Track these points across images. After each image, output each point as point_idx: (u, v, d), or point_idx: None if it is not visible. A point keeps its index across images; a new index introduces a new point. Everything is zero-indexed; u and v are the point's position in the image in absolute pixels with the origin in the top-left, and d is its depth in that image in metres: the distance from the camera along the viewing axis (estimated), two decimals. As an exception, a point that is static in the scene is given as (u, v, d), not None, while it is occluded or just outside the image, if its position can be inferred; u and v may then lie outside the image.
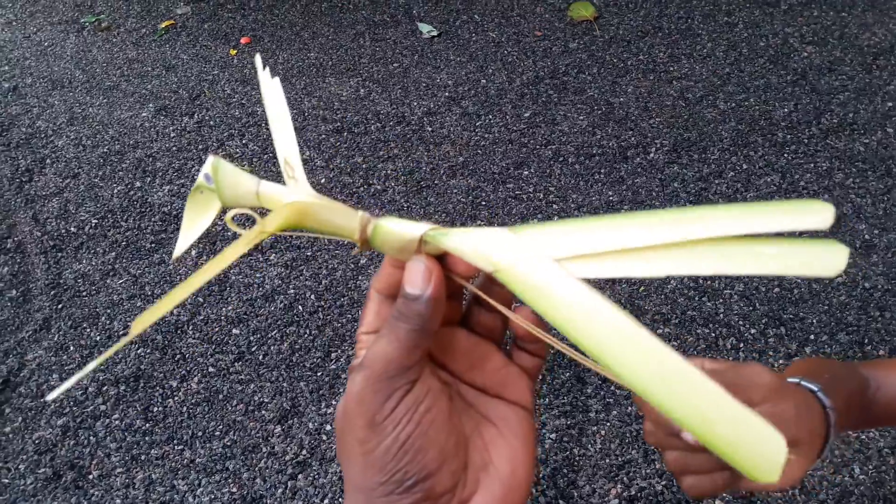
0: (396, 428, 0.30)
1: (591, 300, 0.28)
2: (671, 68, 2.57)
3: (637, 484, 1.44)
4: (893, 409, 0.57)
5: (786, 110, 2.30)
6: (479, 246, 0.30)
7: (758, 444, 0.25)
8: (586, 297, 0.28)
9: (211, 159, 0.32)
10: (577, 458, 1.50)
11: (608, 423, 1.55)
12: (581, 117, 2.39)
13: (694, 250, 0.28)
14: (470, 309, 0.36)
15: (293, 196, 0.33)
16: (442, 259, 0.32)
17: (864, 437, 1.46)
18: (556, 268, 0.29)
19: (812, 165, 2.09)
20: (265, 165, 2.36)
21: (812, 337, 1.65)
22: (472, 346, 0.35)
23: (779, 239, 0.27)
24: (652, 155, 2.20)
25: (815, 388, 0.53)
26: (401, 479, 0.30)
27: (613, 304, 0.27)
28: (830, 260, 0.27)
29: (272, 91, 0.38)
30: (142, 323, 0.28)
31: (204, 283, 0.29)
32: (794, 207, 0.27)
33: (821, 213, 0.27)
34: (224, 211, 0.34)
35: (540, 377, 1.64)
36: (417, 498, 0.30)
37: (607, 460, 1.48)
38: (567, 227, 0.30)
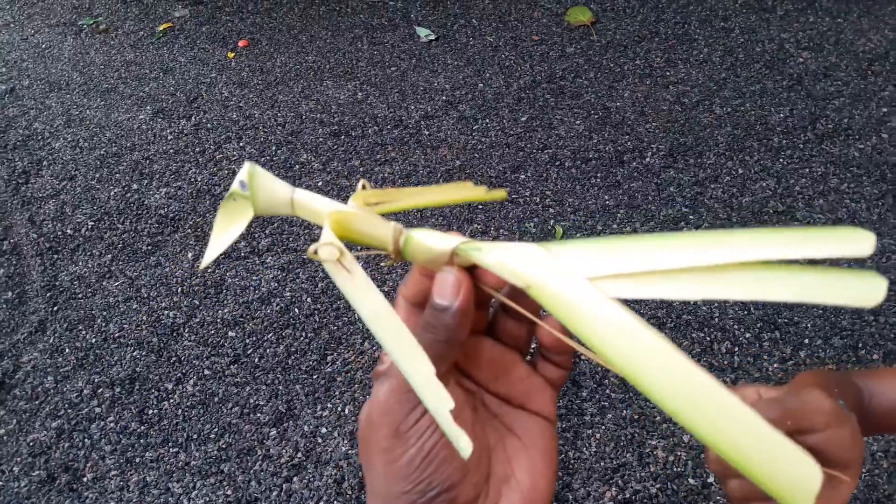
0: (421, 438, 0.30)
1: (625, 320, 0.27)
2: (668, 73, 2.58)
3: (632, 487, 1.44)
4: (888, 418, 0.58)
5: (781, 115, 2.31)
6: (512, 262, 0.30)
7: (793, 472, 0.25)
8: (620, 317, 0.28)
9: (247, 165, 0.32)
10: (571, 461, 1.50)
11: (603, 427, 1.55)
12: (578, 121, 2.40)
13: (727, 275, 0.28)
14: (496, 318, 0.36)
15: (328, 204, 0.33)
16: (472, 270, 0.31)
17: (857, 441, 1.46)
18: (589, 287, 0.29)
19: (807, 170, 2.10)
20: (263, 168, 2.36)
21: (806, 341, 1.66)
22: (498, 356, 0.35)
23: (814, 267, 0.27)
24: (648, 159, 2.21)
25: (841, 404, 0.53)
26: (424, 489, 0.30)
27: (647, 324, 0.27)
28: (868, 290, 0.26)
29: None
30: None
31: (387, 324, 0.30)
32: (833, 234, 0.27)
33: (860, 242, 0.26)
34: (255, 218, 0.34)
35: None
36: None
37: (602, 463, 1.49)
38: (600, 245, 0.30)
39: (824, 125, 2.25)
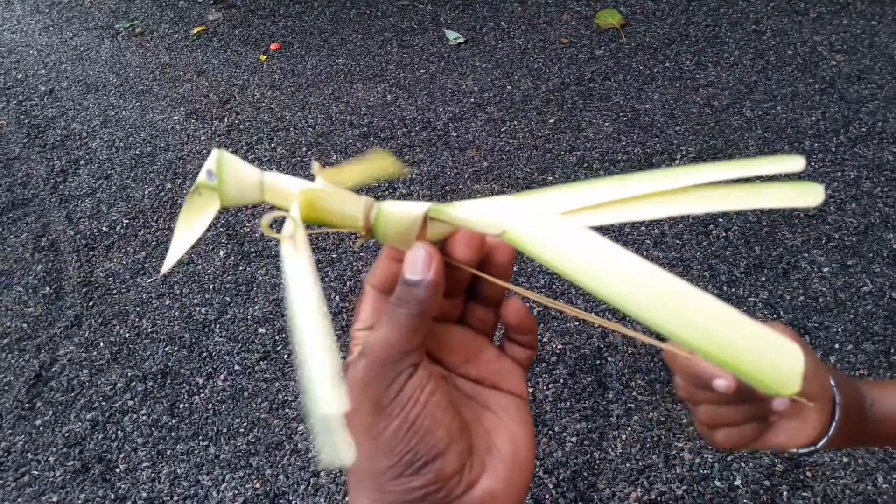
0: (404, 409, 0.30)
1: (596, 243, 0.28)
2: (698, 76, 2.56)
3: (657, 488, 1.43)
4: (885, 425, 0.59)
5: (813, 118, 2.29)
6: (485, 212, 0.31)
7: (775, 358, 0.26)
8: (591, 240, 0.28)
9: (215, 152, 0.31)
10: (597, 462, 1.50)
11: (629, 428, 1.55)
12: (606, 124, 2.40)
13: (685, 196, 0.30)
14: (464, 304, 0.37)
15: (299, 183, 0.32)
16: (441, 247, 0.32)
17: (889, 447, 1.44)
18: (560, 219, 0.30)
19: (840, 174, 2.07)
20: (293, 169, 2.40)
21: (837, 346, 1.64)
22: (467, 341, 0.36)
23: (760, 183, 0.30)
24: (677, 162, 2.20)
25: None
26: (411, 459, 0.30)
27: (620, 246, 0.28)
28: (809, 194, 0.30)
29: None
30: None
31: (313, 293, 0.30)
32: (771, 159, 0.30)
33: (793, 162, 0.30)
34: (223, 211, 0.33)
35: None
36: (428, 479, 0.30)
37: (628, 464, 1.48)
38: (566, 188, 0.31)
39: (857, 128, 2.22)
